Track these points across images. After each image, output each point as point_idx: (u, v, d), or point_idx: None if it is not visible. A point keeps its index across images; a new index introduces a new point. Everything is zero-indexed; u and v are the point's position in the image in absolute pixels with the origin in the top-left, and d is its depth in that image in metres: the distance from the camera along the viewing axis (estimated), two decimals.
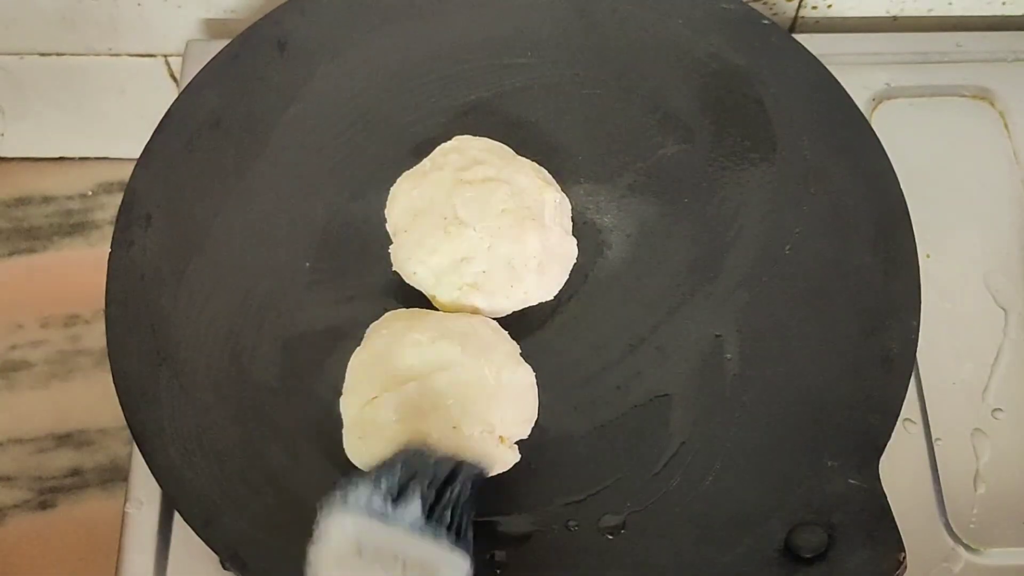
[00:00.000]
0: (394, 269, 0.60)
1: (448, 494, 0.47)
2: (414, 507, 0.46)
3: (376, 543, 0.45)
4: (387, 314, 0.58)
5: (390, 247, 0.60)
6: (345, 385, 0.56)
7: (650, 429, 0.57)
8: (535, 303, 0.59)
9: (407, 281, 0.59)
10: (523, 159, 0.61)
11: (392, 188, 0.61)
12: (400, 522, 0.45)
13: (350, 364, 0.56)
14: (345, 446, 0.55)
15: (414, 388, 0.54)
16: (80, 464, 0.82)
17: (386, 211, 0.61)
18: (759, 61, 0.68)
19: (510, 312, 0.59)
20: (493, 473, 0.53)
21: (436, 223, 0.58)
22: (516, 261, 0.58)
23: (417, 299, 0.60)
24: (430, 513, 0.46)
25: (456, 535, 0.47)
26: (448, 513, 0.47)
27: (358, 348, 0.57)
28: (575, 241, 0.60)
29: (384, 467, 0.47)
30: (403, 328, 0.56)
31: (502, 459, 0.54)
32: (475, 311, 0.58)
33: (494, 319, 0.58)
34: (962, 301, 0.66)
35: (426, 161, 0.61)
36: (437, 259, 0.58)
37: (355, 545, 0.44)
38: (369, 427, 0.54)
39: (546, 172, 0.61)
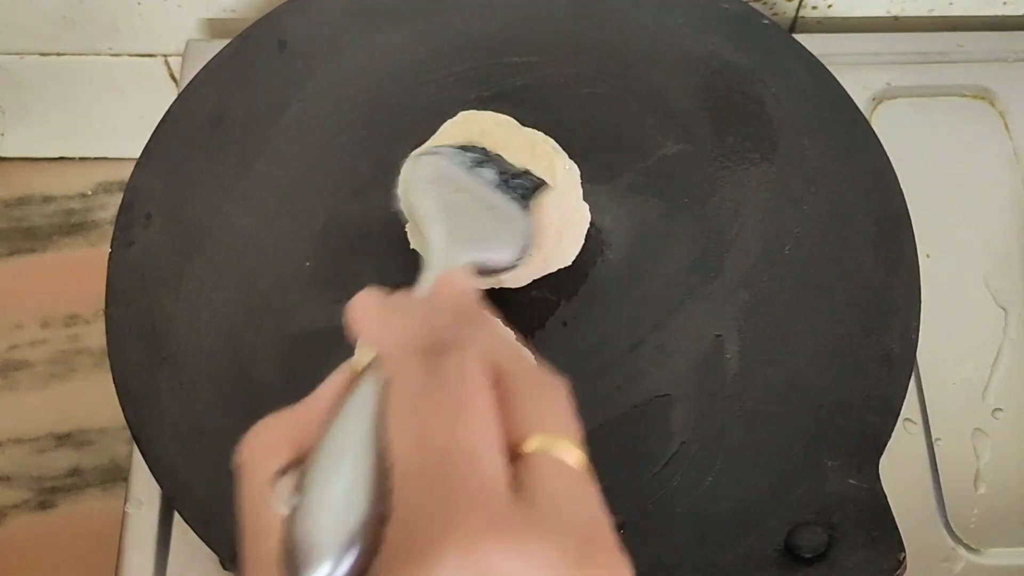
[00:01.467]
0: (412, 247, 0.60)
1: (515, 180, 0.52)
2: (489, 173, 0.51)
3: (460, 181, 0.50)
4: None
5: (406, 226, 0.60)
6: None
7: (650, 429, 0.57)
8: (553, 270, 0.60)
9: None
10: (529, 129, 0.62)
11: (403, 168, 0.61)
12: (477, 176, 0.50)
13: None
14: None
15: None
16: (80, 464, 0.82)
17: (398, 190, 0.60)
18: (759, 61, 0.68)
19: (530, 280, 0.59)
20: None
21: None
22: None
23: None
24: (498, 183, 0.51)
25: (521, 200, 0.51)
26: (516, 189, 0.51)
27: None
28: (587, 206, 0.61)
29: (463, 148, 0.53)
30: None
31: None
32: (498, 282, 0.58)
33: (516, 287, 0.59)
34: (962, 301, 0.66)
35: (434, 138, 0.61)
36: None
37: (442, 176, 0.50)
38: None
39: (553, 140, 0.62)
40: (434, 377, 0.32)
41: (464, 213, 0.47)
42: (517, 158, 0.58)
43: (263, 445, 0.35)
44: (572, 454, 0.33)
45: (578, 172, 0.61)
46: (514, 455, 0.33)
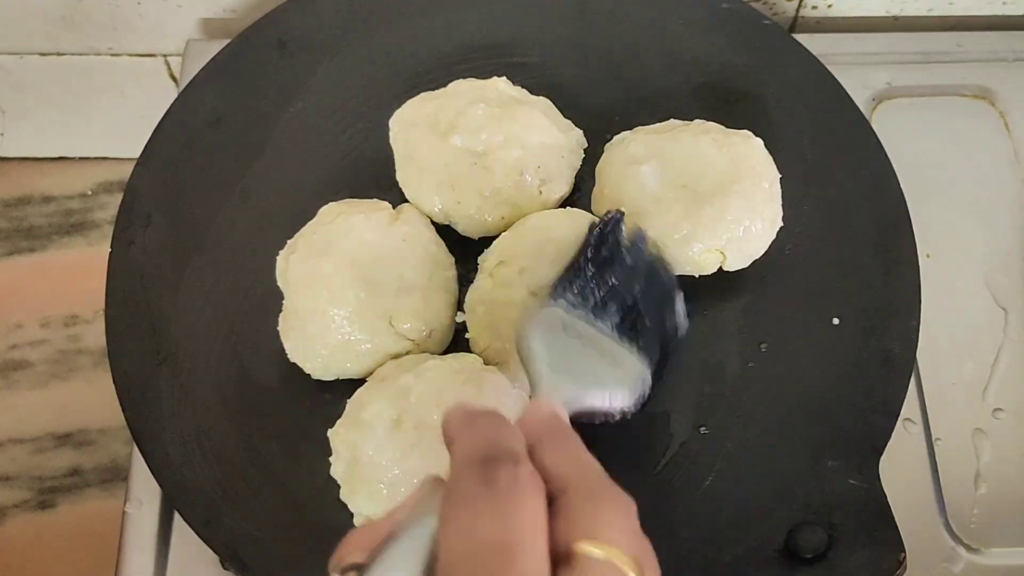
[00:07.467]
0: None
1: (638, 321, 0.51)
2: (610, 319, 0.50)
3: (578, 328, 0.49)
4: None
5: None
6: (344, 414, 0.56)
7: (650, 429, 0.57)
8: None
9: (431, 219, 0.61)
10: (487, 80, 0.64)
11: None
12: (598, 324, 0.50)
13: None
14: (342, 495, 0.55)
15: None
16: (80, 464, 0.82)
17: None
18: (759, 61, 0.68)
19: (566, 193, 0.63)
20: None
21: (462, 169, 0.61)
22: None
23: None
24: (620, 328, 0.50)
25: (641, 350, 0.50)
26: (636, 333, 0.51)
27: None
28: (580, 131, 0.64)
29: (590, 276, 0.51)
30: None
31: None
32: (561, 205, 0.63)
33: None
34: (962, 301, 0.66)
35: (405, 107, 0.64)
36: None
37: (561, 323, 0.49)
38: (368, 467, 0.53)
39: (505, 79, 0.65)
40: (487, 483, 0.35)
41: (575, 356, 0.48)
42: (485, 114, 0.61)
43: (346, 547, 0.37)
44: (622, 563, 0.35)
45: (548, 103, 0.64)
46: (564, 558, 0.34)
